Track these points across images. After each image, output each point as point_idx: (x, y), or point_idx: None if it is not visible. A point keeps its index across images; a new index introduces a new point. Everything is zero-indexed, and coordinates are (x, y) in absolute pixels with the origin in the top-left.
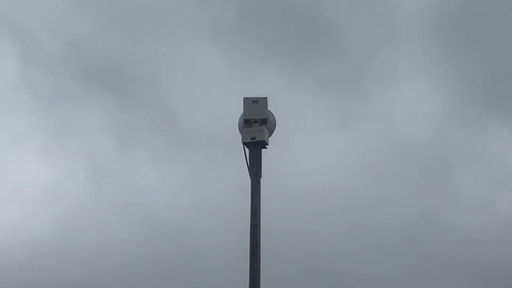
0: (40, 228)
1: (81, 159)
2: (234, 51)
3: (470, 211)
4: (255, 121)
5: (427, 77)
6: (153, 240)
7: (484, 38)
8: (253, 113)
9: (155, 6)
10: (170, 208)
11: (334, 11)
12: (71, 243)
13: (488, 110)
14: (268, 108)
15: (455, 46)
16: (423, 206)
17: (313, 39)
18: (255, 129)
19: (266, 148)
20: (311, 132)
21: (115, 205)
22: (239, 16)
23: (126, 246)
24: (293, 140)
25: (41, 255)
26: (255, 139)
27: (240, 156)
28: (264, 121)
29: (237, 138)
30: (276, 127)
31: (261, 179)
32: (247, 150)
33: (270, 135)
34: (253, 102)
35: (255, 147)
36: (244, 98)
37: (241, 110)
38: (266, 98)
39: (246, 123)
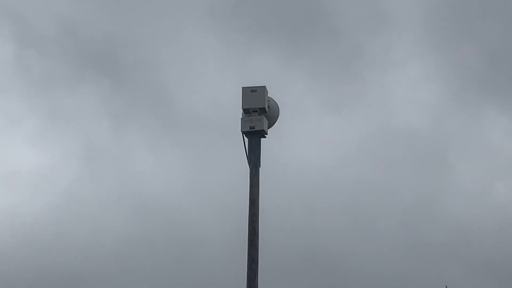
0: (35, 212)
1: (76, 144)
2: (231, 35)
3: (466, 198)
4: (254, 111)
5: (424, 63)
6: (148, 226)
7: (482, 23)
8: (252, 102)
9: None
10: (165, 193)
11: None
12: (66, 228)
13: (486, 96)
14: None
15: (452, 32)
16: (419, 193)
17: (310, 24)
18: (254, 118)
19: (265, 137)
20: (307, 117)
21: (110, 190)
22: (236, 1)
23: (121, 231)
24: (290, 126)
25: (36, 240)
26: (254, 128)
27: (237, 142)
28: (263, 110)
29: (234, 123)
30: (279, 115)
31: (260, 168)
32: (246, 140)
33: (273, 123)
34: (251, 91)
35: (254, 136)
36: (242, 87)
37: (238, 95)
38: (264, 87)
39: (246, 112)
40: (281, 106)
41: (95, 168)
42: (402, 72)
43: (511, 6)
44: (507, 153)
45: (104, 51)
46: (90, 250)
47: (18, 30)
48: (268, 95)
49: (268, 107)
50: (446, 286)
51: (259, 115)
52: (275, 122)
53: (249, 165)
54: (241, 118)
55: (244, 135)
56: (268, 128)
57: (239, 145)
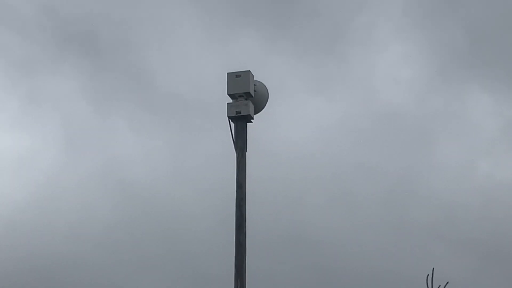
0: (16, 198)
1: (57, 127)
2: (212, 14)
3: (449, 176)
4: (240, 96)
5: (406, 41)
6: (132, 210)
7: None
8: (237, 87)
9: None
10: (149, 177)
11: None
12: (47, 213)
13: (469, 74)
14: (254, 77)
15: (435, 9)
16: (402, 172)
17: (291, 3)
18: (240, 103)
19: (251, 122)
20: (290, 98)
21: (92, 174)
22: None
23: (104, 216)
24: (274, 108)
25: (18, 226)
26: (240, 113)
27: (221, 124)
28: (248, 95)
29: (217, 106)
30: (268, 98)
31: (247, 152)
32: (232, 124)
33: (263, 106)
34: (236, 76)
35: (240, 121)
36: (227, 73)
37: (220, 76)
38: (249, 71)
39: (232, 98)
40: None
41: (76, 152)
42: (384, 50)
43: None
44: (490, 131)
45: (85, 31)
46: (72, 236)
47: None
48: (255, 79)
49: (255, 91)
50: (433, 269)
51: (245, 99)
52: (265, 105)
53: (235, 150)
54: (228, 103)
55: (230, 120)
56: (258, 111)
57: (222, 127)
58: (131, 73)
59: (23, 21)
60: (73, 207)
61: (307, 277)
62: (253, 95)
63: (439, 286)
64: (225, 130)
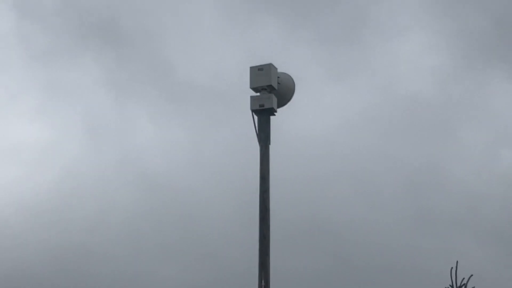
0: (38, 188)
1: (78, 117)
2: (233, 3)
3: (472, 165)
4: (263, 89)
5: (429, 29)
6: (153, 200)
7: None
8: (260, 80)
9: None
10: (169, 167)
11: None
12: (69, 203)
13: (492, 62)
14: (277, 70)
15: None
16: (425, 161)
17: None
18: (263, 97)
19: (274, 115)
20: (311, 87)
21: (113, 164)
22: None
23: (125, 205)
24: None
25: (40, 215)
26: (263, 106)
27: (240, 112)
28: (271, 88)
29: (237, 93)
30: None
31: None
32: (255, 117)
33: (289, 98)
34: (258, 69)
35: (263, 114)
36: (250, 67)
37: (240, 64)
38: (270, 64)
39: (255, 91)
40: (279, 71)
41: (97, 142)
42: (406, 38)
43: None
44: None
45: (106, 21)
46: (94, 225)
47: (17, 1)
48: (280, 70)
49: (279, 83)
50: (457, 262)
51: (268, 92)
52: (291, 97)
53: (259, 143)
54: (251, 96)
55: (253, 113)
56: (284, 103)
57: (243, 117)
58: (151, 63)
59: (44, 11)
60: (94, 198)
61: (331, 269)
62: (276, 88)
63: (463, 278)
64: (245, 120)
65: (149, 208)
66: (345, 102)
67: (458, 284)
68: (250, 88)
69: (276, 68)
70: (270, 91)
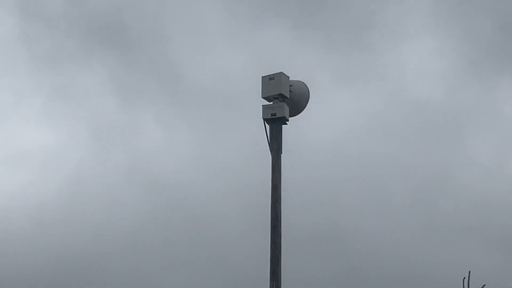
0: (45, 192)
1: (84, 122)
2: (239, 6)
3: (482, 172)
4: (275, 98)
5: (438, 33)
6: (160, 204)
7: None
8: (271, 89)
9: None
10: (176, 171)
11: None
12: (77, 207)
13: (501, 67)
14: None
15: (466, 0)
16: (434, 167)
17: None
18: (275, 105)
19: (286, 124)
20: (319, 92)
21: (121, 168)
22: None
23: (132, 210)
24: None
25: (47, 220)
26: (275, 115)
27: (249, 117)
28: (282, 96)
29: (243, 96)
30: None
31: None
32: (267, 126)
33: (304, 106)
34: (270, 79)
35: (275, 123)
36: (262, 77)
37: (248, 69)
38: (281, 73)
39: (267, 100)
40: (292, 79)
41: (104, 146)
42: (415, 43)
43: None
44: None
45: (113, 24)
46: (101, 229)
47: (23, 2)
48: (294, 79)
49: (291, 91)
50: (470, 271)
51: (280, 101)
52: (306, 104)
53: (270, 152)
54: (263, 105)
55: (265, 122)
56: (298, 112)
57: (252, 122)
58: (158, 66)
59: (50, 14)
60: (100, 203)
61: (340, 278)
62: (287, 96)
63: None
64: (253, 124)
65: (158, 214)
66: (352, 107)
67: None
68: (262, 97)
69: (288, 77)
70: (283, 100)
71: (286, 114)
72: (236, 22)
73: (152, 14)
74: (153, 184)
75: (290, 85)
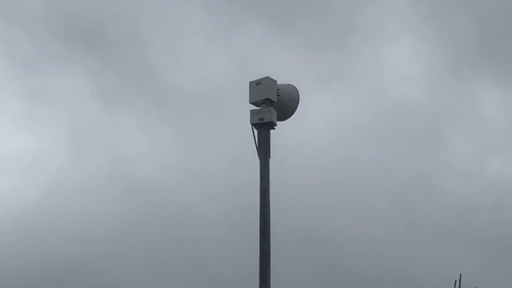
0: (24, 199)
1: (64, 126)
2: (219, 8)
3: (462, 174)
4: (263, 102)
5: (417, 36)
6: (141, 208)
7: None
8: (258, 95)
9: None
10: (157, 175)
11: None
12: (57, 212)
13: (480, 70)
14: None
15: (445, 2)
16: (414, 170)
17: None
18: (263, 110)
19: (274, 128)
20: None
21: (101, 172)
22: None
23: (112, 216)
24: None
25: (28, 226)
26: (263, 120)
27: (231, 120)
28: (269, 101)
29: (224, 99)
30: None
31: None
32: (255, 131)
33: (294, 108)
34: (256, 84)
35: (263, 128)
36: (249, 82)
37: (227, 70)
38: (267, 77)
39: (255, 105)
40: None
41: (84, 150)
42: (394, 45)
43: None
44: (501, 126)
45: (92, 27)
46: (82, 234)
47: (1, 5)
48: (283, 83)
49: (279, 95)
50: (461, 275)
51: (267, 106)
52: (296, 107)
53: (259, 157)
54: (251, 110)
55: (253, 127)
56: (289, 115)
57: (234, 124)
58: (138, 69)
59: (28, 16)
60: (81, 210)
61: (326, 280)
62: (274, 100)
63: None
64: (236, 128)
65: (139, 218)
66: (332, 111)
67: None
68: (250, 103)
69: (275, 81)
70: (271, 105)
71: (274, 118)
72: (217, 24)
73: (131, 16)
74: (134, 188)
75: (278, 89)
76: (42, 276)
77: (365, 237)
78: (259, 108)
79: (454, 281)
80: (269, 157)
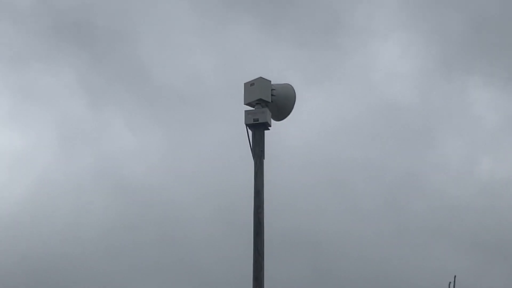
0: (11, 197)
1: (52, 123)
2: (208, 4)
3: (452, 173)
4: (257, 103)
5: (407, 34)
6: (129, 206)
7: None
8: (252, 95)
9: None
10: (146, 174)
11: None
12: (45, 211)
13: (471, 68)
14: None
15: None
16: (404, 169)
17: None
18: (257, 111)
19: (269, 129)
20: None
21: (89, 170)
22: None
23: (101, 214)
24: None
25: (15, 224)
26: (258, 120)
27: (218, 117)
28: (263, 101)
29: (214, 97)
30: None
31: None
32: (250, 132)
33: (290, 107)
34: (250, 85)
35: (258, 128)
36: (244, 83)
37: (217, 68)
38: (260, 78)
39: (250, 106)
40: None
41: (72, 148)
42: (384, 43)
43: None
44: (492, 125)
45: (80, 23)
46: (70, 232)
47: None
48: (278, 83)
49: (273, 95)
50: (455, 276)
51: (262, 107)
52: (292, 107)
53: (253, 158)
54: (245, 111)
55: (248, 128)
56: (286, 114)
57: (223, 122)
58: (127, 66)
59: (15, 12)
60: (68, 207)
61: (317, 280)
62: (269, 101)
63: None
64: (227, 127)
65: (127, 217)
66: (323, 110)
67: None
68: (244, 104)
69: (269, 81)
70: (265, 105)
71: (269, 119)
72: (206, 22)
73: (121, 13)
74: (123, 187)
75: (273, 89)
76: (29, 274)
77: (357, 238)
78: (253, 108)
79: (448, 283)
80: (263, 158)
